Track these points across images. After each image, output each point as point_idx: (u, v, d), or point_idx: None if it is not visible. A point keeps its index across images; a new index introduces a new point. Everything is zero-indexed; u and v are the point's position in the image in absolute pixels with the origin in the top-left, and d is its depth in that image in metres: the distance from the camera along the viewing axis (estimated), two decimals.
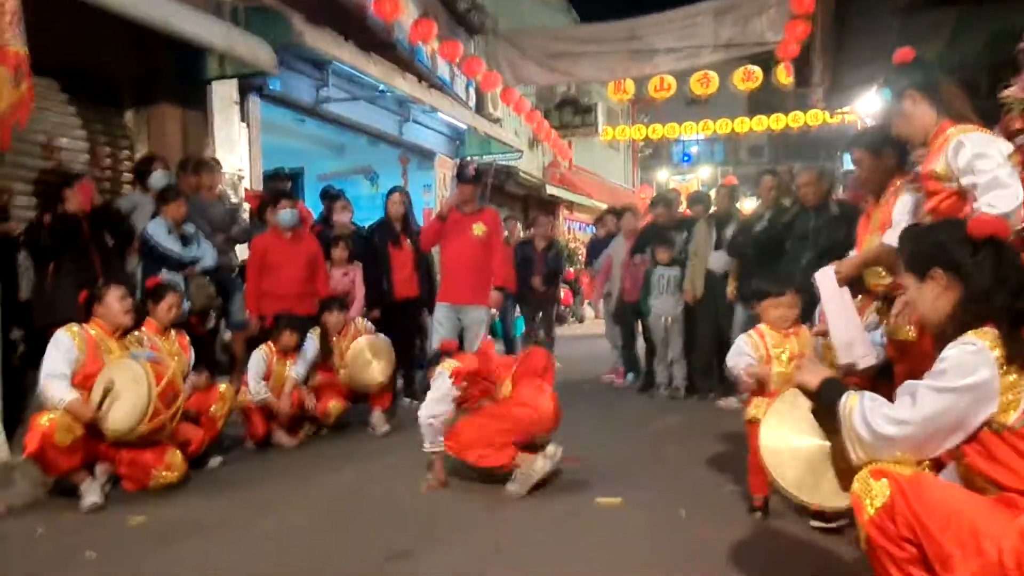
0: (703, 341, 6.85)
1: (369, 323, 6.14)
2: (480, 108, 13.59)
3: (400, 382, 6.63)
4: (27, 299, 5.06)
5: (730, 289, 6.43)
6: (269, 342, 5.41)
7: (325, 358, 5.66)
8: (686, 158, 29.90)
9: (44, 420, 3.79)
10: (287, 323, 5.43)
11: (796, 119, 18.14)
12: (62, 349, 4.00)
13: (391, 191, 6.98)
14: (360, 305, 6.37)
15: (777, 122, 18.62)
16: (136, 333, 4.51)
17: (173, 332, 4.79)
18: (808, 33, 10.05)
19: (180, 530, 3.53)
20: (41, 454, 3.78)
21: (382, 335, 5.90)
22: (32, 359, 4.86)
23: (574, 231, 19.69)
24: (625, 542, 3.19)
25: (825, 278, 3.14)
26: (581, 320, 16.07)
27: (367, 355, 5.65)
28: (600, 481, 4.04)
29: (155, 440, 4.15)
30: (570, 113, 18.19)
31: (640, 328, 7.50)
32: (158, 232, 5.34)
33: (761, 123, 19.00)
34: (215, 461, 4.69)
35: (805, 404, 2.36)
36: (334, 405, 5.49)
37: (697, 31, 11.76)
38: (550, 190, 16.26)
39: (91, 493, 3.89)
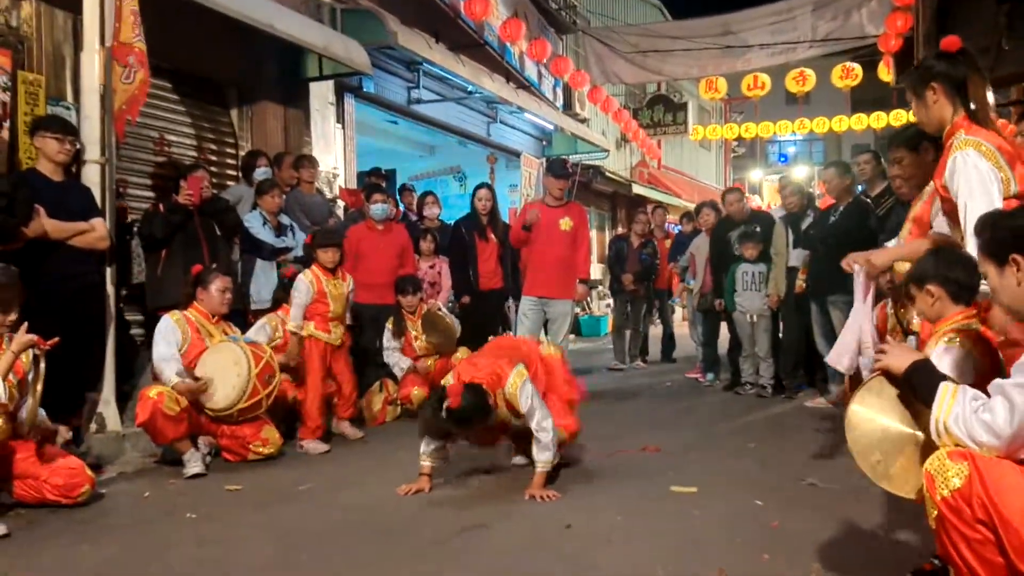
0: (790, 339, 6.71)
1: (441, 307, 6.32)
2: (567, 107, 13.66)
3: None
4: (139, 283, 5.45)
5: (800, 284, 6.30)
6: (279, 310, 5.31)
7: (401, 335, 5.89)
8: (782, 158, 29.10)
9: (153, 392, 4.13)
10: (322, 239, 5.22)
11: (898, 117, 17.39)
12: (167, 334, 4.35)
13: (478, 187, 7.18)
14: (447, 295, 6.57)
15: (878, 120, 17.90)
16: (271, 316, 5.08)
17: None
18: (910, 26, 9.67)
19: (272, 497, 3.77)
20: (150, 423, 4.10)
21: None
22: (145, 339, 5.25)
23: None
24: (695, 528, 3.20)
25: (859, 274, 3.07)
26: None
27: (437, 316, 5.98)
28: (677, 470, 4.06)
29: (253, 416, 4.43)
30: (660, 111, 18.02)
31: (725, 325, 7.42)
32: (254, 222, 5.67)
33: (861, 121, 18.29)
34: (318, 447, 4.89)
35: (891, 391, 2.30)
36: (417, 392, 5.69)
37: (794, 25, 11.50)
38: (637, 189, 16.16)
39: (194, 463, 4.17)
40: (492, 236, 6.83)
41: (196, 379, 4.26)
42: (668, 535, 3.11)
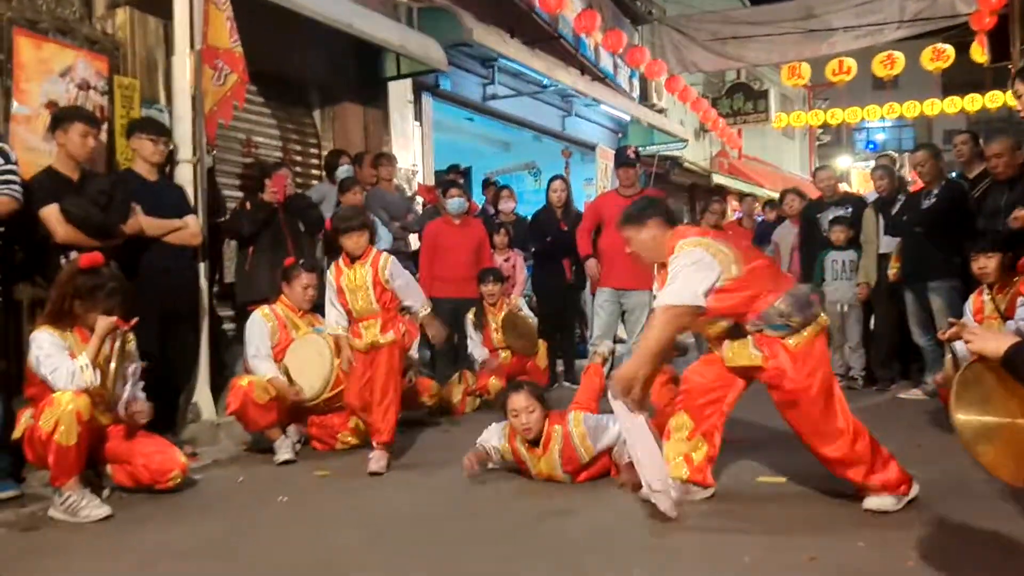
0: (882, 329, 6.46)
1: (523, 302, 6.32)
2: (644, 98, 13.50)
3: (560, 367, 6.80)
4: (231, 282, 5.65)
5: (892, 271, 6.03)
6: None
7: (481, 327, 5.96)
8: (870, 145, 27.98)
9: (244, 382, 4.30)
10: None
11: (994, 99, 16.52)
12: (258, 331, 4.54)
13: (552, 179, 7.18)
14: (521, 288, 6.58)
15: (973, 103, 17.06)
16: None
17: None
18: (1005, 2, 9.18)
19: (360, 482, 3.88)
20: (242, 411, 4.26)
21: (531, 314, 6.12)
22: (236, 332, 5.45)
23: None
24: (785, 517, 3.11)
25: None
26: None
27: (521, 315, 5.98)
28: (764, 461, 3.95)
29: (339, 406, 4.53)
30: (741, 100, 17.58)
31: None
32: None
33: (954, 104, 17.47)
34: None
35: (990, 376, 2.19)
36: (493, 382, 5.74)
37: (880, 6, 11.06)
38: (717, 179, 15.84)
39: (284, 450, 4.31)
40: (566, 226, 6.80)
41: (290, 379, 4.40)
42: (755, 523, 3.04)
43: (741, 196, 18.23)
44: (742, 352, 3.12)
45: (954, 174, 6.42)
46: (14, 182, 3.72)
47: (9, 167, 3.72)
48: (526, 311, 6.15)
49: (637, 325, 6.26)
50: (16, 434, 3.41)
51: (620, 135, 12.64)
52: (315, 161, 7.19)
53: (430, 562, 2.73)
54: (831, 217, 6.55)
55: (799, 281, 6.90)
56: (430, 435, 5.06)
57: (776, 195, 10.93)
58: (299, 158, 7.02)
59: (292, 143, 6.98)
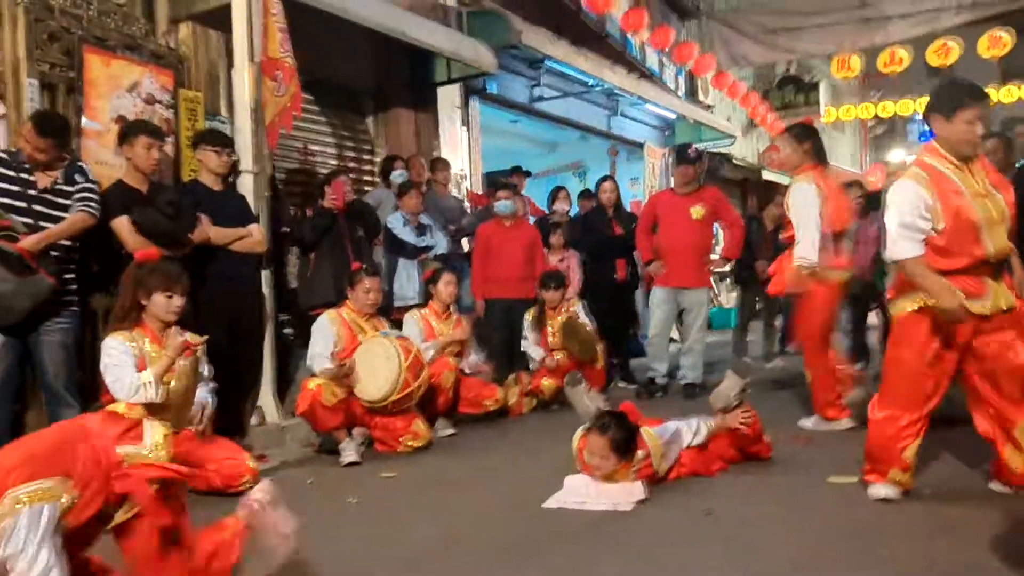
0: None
1: (583, 306, 6.30)
2: (691, 95, 13.36)
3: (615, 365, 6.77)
4: (293, 288, 5.76)
5: None
6: (426, 307, 5.49)
7: (540, 330, 6.00)
8: (924, 136, 27.28)
9: (312, 384, 4.38)
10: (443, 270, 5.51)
11: None
12: (323, 333, 4.63)
13: (601, 180, 7.15)
14: (576, 288, 6.56)
15: None
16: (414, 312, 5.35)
17: (453, 313, 5.51)
18: None
19: (425, 484, 3.92)
20: (310, 412, 4.35)
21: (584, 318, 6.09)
22: (298, 338, 5.55)
23: None
24: (856, 517, 3.06)
25: None
26: None
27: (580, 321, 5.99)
28: (832, 461, 3.87)
29: (404, 409, 4.60)
30: (792, 92, 17.26)
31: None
32: (396, 223, 5.88)
33: (1011, 94, 16.88)
34: (447, 431, 5.06)
35: None
36: (547, 383, 5.78)
37: None
38: (767, 175, 15.60)
39: (349, 452, 4.38)
40: (618, 228, 6.77)
41: (341, 365, 4.46)
42: (828, 522, 3.00)
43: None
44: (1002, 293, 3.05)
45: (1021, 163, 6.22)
46: (92, 199, 3.86)
47: (88, 184, 3.87)
48: (584, 317, 6.13)
49: (694, 324, 6.21)
50: None
51: (667, 133, 12.54)
52: (369, 167, 7.29)
53: (504, 563, 2.75)
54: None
55: (857, 280, 6.82)
56: (490, 437, 5.09)
57: None
58: (354, 164, 7.13)
59: (347, 149, 7.10)
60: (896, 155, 25.60)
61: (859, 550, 2.69)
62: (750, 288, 8.11)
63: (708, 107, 13.41)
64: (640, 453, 3.47)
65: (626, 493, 3.31)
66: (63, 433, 2.23)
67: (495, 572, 2.63)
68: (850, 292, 7.13)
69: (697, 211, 6.05)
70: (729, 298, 13.07)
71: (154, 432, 2.21)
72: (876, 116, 19.61)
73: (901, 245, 3.00)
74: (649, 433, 3.56)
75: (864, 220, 6.96)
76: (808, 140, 4.73)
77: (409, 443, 4.62)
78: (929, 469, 3.65)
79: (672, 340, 6.70)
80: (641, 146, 11.33)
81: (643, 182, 11.20)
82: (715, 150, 13.15)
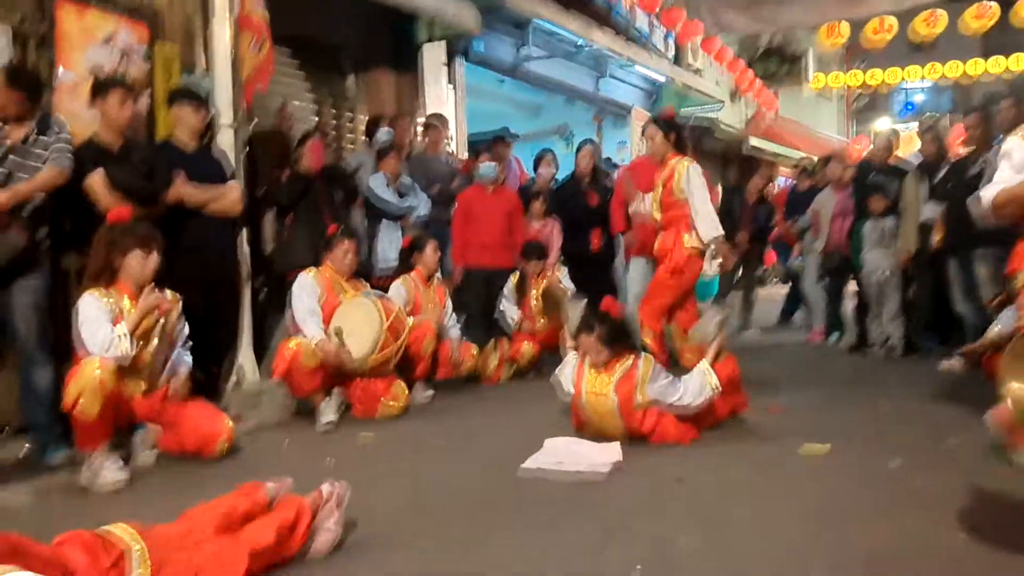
0: (922, 296, 6.37)
1: (565, 273, 6.28)
2: (679, 60, 13.25)
3: None
4: (269, 253, 5.66)
5: (937, 238, 5.91)
6: (412, 272, 5.40)
7: (522, 301, 6.00)
8: (909, 107, 27.25)
9: (292, 345, 4.36)
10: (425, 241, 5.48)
11: None
12: (307, 289, 4.56)
13: (581, 144, 7.06)
14: (556, 256, 6.51)
15: (1018, 62, 16.48)
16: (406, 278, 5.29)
17: (436, 281, 5.45)
18: None
19: (403, 447, 3.95)
20: (288, 375, 4.35)
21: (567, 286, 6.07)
22: (272, 302, 5.49)
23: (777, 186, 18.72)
24: (830, 487, 3.10)
25: None
26: (785, 281, 15.36)
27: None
28: (805, 431, 3.90)
29: (383, 372, 4.59)
30: (776, 63, 17.18)
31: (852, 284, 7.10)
32: (377, 185, 5.81)
33: (999, 64, 16.87)
34: (425, 395, 5.06)
35: None
36: (527, 347, 5.81)
37: None
38: (753, 143, 15.56)
39: (327, 412, 4.38)
40: (595, 197, 6.70)
41: (338, 335, 4.43)
42: (801, 493, 3.04)
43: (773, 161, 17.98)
44: None
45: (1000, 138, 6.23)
46: (66, 153, 3.77)
47: (64, 136, 3.78)
48: (567, 282, 6.13)
49: None
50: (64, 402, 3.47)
51: (654, 97, 12.45)
52: (349, 127, 7.18)
53: (478, 526, 2.77)
54: (871, 184, 6.42)
55: (837, 247, 6.86)
56: (468, 402, 5.10)
57: (814, 158, 10.72)
58: (333, 124, 7.02)
59: (326, 109, 6.97)
60: (883, 123, 25.57)
61: (830, 519, 2.74)
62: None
63: (696, 71, 13.31)
64: (629, 360, 3.74)
65: (603, 453, 3.35)
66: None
67: (468, 536, 2.65)
68: (828, 266, 7.23)
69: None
70: (712, 267, 13.11)
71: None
72: (864, 84, 19.49)
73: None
74: (648, 359, 3.76)
75: (842, 194, 6.99)
76: (673, 132, 5.09)
77: (390, 404, 4.61)
78: (899, 440, 3.72)
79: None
80: (628, 110, 11.25)
81: (630, 147, 11.15)
82: (702, 115, 13.09)
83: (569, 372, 3.93)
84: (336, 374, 4.53)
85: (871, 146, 6.77)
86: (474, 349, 5.56)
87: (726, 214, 8.10)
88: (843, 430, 3.97)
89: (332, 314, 4.56)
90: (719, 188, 8.91)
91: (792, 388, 5.21)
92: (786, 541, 2.56)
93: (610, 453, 3.41)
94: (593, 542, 2.56)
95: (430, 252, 5.39)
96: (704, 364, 3.82)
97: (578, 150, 6.98)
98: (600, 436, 3.70)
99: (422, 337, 5.01)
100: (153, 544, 2.09)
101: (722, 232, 4.86)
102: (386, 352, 4.51)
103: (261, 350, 5.21)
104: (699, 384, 3.73)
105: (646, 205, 5.29)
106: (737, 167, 13.96)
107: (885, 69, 17.74)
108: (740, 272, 8.18)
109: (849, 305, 7.28)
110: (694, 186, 4.84)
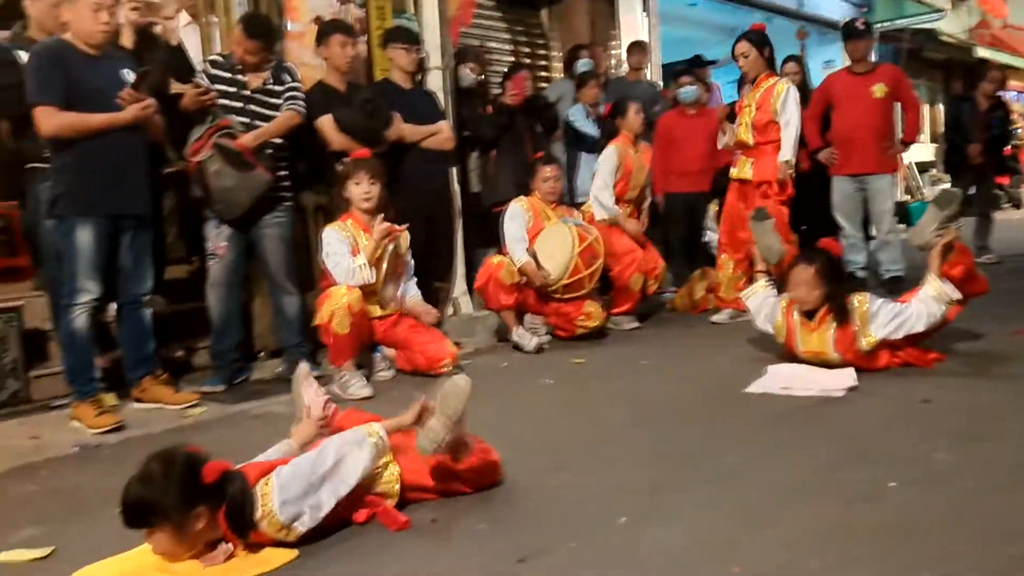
0: None
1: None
2: None
3: None
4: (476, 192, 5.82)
5: None
6: (619, 138, 5.33)
7: None
8: None
9: (495, 260, 4.56)
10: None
11: None
12: (515, 217, 4.70)
13: (785, 60, 6.63)
14: None
15: None
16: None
17: (642, 145, 5.49)
18: None
19: (617, 369, 4.01)
20: (485, 287, 4.57)
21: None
22: (480, 238, 5.68)
23: (1009, 101, 16.64)
24: None
25: None
26: (1018, 206, 13.76)
27: None
28: None
29: (576, 296, 4.66)
30: None
31: None
32: (576, 115, 5.81)
33: None
34: (632, 324, 5.09)
35: None
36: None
37: None
38: (980, 52, 13.88)
39: (527, 339, 4.54)
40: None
41: (539, 266, 4.53)
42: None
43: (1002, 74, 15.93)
44: None
45: None
46: (300, 98, 4.07)
47: (295, 84, 4.08)
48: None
49: (885, 215, 5.81)
50: (316, 322, 3.83)
51: (865, 9, 11.36)
52: (543, 62, 7.20)
53: (710, 441, 2.74)
54: None
55: None
56: (675, 331, 5.06)
57: None
58: (528, 60, 7.05)
59: (521, 45, 7.03)
60: None
61: None
62: (962, 176, 7.30)
63: None
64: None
65: (836, 379, 3.20)
66: None
67: (695, 452, 2.63)
68: None
69: (880, 89, 5.71)
70: (933, 191, 11.99)
71: None
72: None
73: None
74: (860, 297, 3.45)
75: None
76: (768, 47, 4.87)
77: (584, 324, 4.69)
78: None
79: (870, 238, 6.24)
80: (836, 26, 10.37)
81: (840, 65, 10.31)
82: (919, 26, 11.84)
83: (768, 309, 3.72)
84: (531, 300, 4.66)
85: None
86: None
87: (953, 127, 7.36)
88: None
89: (535, 238, 4.67)
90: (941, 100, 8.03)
91: None
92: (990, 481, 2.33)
93: (844, 378, 3.23)
94: (838, 460, 2.46)
95: (633, 115, 5.31)
96: (931, 276, 3.45)
97: (782, 65, 6.57)
98: None
99: (629, 271, 5.02)
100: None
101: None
102: (576, 277, 4.55)
103: (470, 284, 5.44)
104: (929, 302, 3.39)
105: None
106: (963, 76, 12.52)
107: None
108: (974, 189, 7.32)
109: None
110: (791, 108, 4.74)
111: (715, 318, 5.11)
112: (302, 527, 1.97)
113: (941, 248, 3.46)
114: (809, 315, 3.49)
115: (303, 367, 2.64)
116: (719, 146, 5.53)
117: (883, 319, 3.37)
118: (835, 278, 3.49)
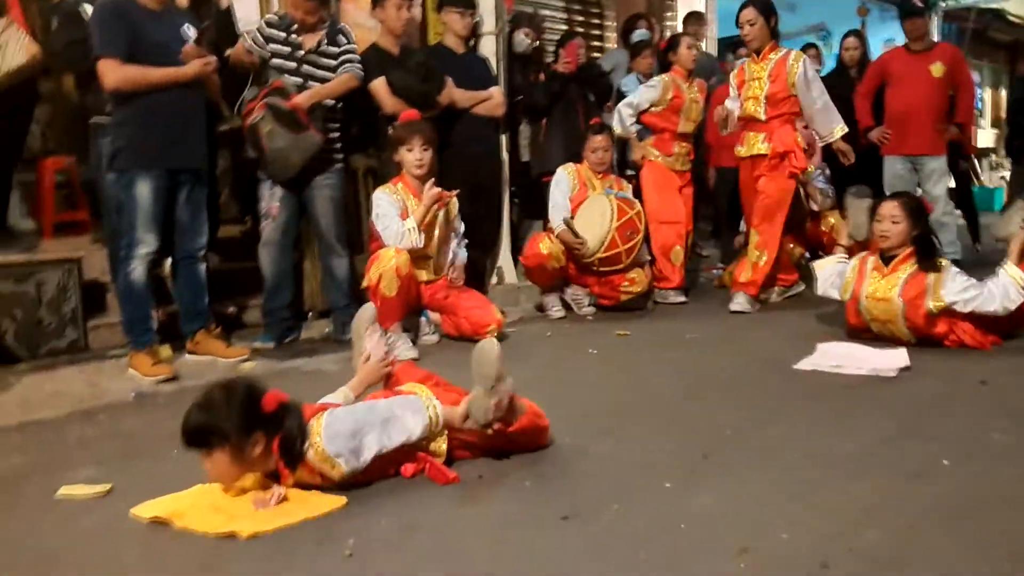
0: None
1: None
2: None
3: None
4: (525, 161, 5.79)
5: None
6: (671, 72, 5.20)
7: None
8: None
9: (543, 246, 4.51)
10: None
11: None
12: (560, 184, 4.70)
13: (846, 35, 6.53)
14: (819, 157, 6.06)
15: None
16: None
17: (695, 80, 5.32)
18: None
19: (663, 342, 3.99)
20: (530, 269, 4.65)
21: None
22: (527, 207, 5.66)
23: None
24: None
25: None
26: None
27: None
28: None
29: (612, 270, 4.62)
30: None
31: None
32: (630, 85, 5.72)
33: None
34: (677, 299, 5.02)
35: None
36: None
37: None
38: None
39: (555, 309, 4.64)
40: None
41: (576, 233, 4.50)
42: None
43: None
44: None
45: None
46: (356, 60, 4.08)
47: (350, 46, 4.09)
48: (822, 185, 5.73)
49: (940, 195, 5.65)
50: (364, 284, 3.87)
51: None
52: (596, 32, 7.12)
53: (759, 412, 2.72)
54: None
55: None
56: (721, 306, 4.97)
57: None
58: (581, 29, 6.97)
59: (575, 14, 6.94)
60: None
61: None
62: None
63: None
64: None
65: (889, 359, 3.14)
66: None
67: (744, 424, 2.60)
68: None
69: (937, 68, 5.59)
70: (993, 177, 11.62)
71: None
72: None
73: None
74: (942, 260, 3.49)
75: None
76: (774, 16, 4.65)
77: (629, 290, 4.67)
78: None
79: None
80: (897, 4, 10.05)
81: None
82: (986, 6, 11.42)
83: (836, 274, 3.73)
84: (573, 274, 4.68)
85: None
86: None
87: (1018, 110, 7.11)
88: None
89: (579, 207, 4.65)
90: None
91: None
92: None
93: (896, 358, 3.18)
94: (890, 436, 2.42)
95: (684, 50, 5.19)
96: (1009, 264, 3.40)
97: (843, 41, 6.43)
98: (881, 341, 3.47)
99: (670, 246, 4.98)
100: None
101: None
102: (613, 251, 4.50)
103: (516, 253, 5.43)
104: (1008, 287, 3.34)
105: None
106: None
107: None
108: None
109: None
110: (818, 85, 4.57)
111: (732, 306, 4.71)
112: (345, 465, 2.01)
113: (1020, 243, 3.47)
114: (886, 261, 3.51)
115: (369, 308, 2.67)
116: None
117: (958, 286, 3.37)
118: (920, 217, 3.54)
